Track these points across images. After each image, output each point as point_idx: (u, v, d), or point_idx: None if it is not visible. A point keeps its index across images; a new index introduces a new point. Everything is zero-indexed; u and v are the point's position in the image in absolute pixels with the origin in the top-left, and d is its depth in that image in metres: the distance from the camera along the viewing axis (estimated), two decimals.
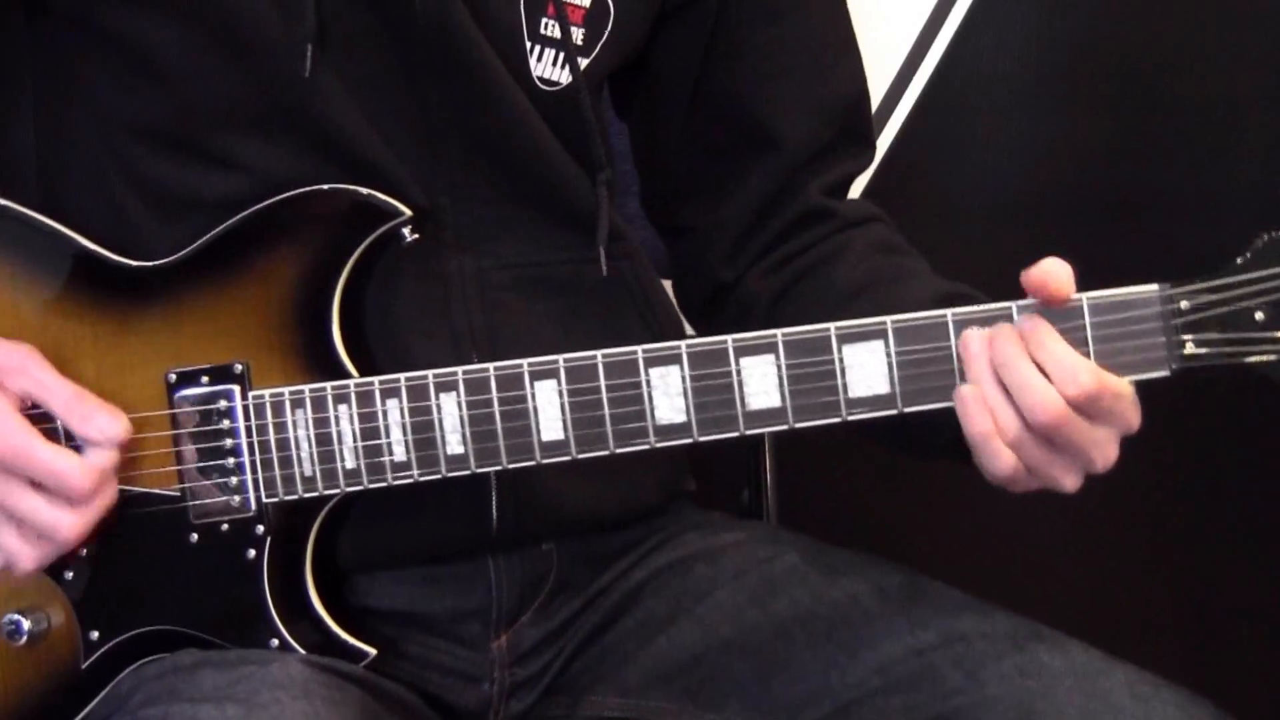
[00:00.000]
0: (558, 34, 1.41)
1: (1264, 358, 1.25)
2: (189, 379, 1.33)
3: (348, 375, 1.32)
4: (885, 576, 1.42)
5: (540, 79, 1.41)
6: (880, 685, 1.34)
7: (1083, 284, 1.26)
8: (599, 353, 1.29)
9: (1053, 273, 1.25)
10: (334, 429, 1.31)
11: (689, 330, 1.60)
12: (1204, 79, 2.17)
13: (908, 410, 1.27)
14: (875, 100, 2.07)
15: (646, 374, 1.29)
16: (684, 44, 1.51)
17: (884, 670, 1.34)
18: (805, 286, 1.49)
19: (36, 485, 1.27)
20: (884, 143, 2.14)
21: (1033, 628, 1.34)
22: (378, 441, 1.31)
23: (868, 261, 1.48)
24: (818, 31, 1.53)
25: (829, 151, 1.52)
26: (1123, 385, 1.25)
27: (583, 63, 1.43)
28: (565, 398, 1.29)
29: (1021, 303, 1.27)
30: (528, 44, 1.40)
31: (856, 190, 1.58)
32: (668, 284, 1.59)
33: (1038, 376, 1.24)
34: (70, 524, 1.27)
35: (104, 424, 1.29)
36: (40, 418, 1.29)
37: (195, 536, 1.33)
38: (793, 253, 1.51)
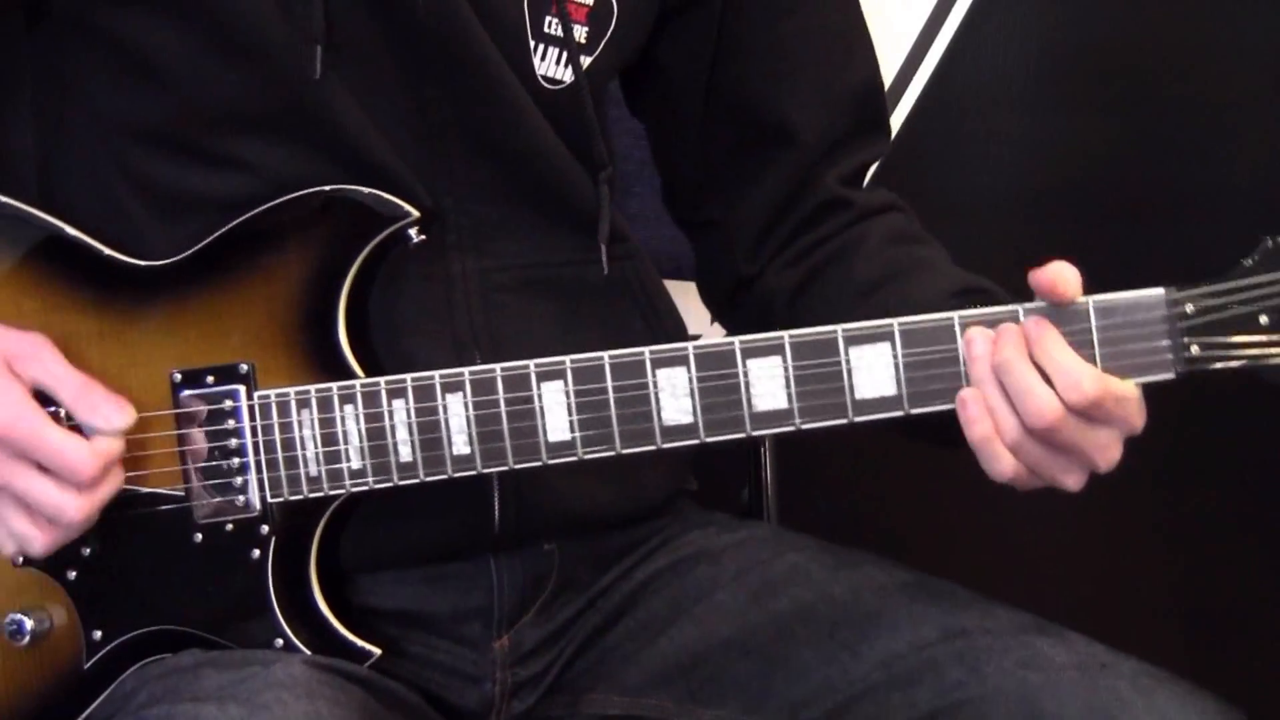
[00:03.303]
0: (561, 32, 1.41)
1: (1268, 361, 1.25)
2: (194, 378, 1.33)
3: (353, 376, 1.32)
4: (886, 573, 1.43)
5: (544, 77, 1.41)
6: (882, 680, 1.34)
7: (1084, 283, 1.26)
8: (606, 354, 1.29)
9: (1061, 275, 1.25)
10: (339, 429, 1.31)
11: (690, 331, 1.59)
12: (1204, 79, 2.17)
13: (914, 412, 1.27)
14: None
15: (653, 375, 1.29)
16: (690, 44, 1.51)
17: (886, 665, 1.35)
18: (823, 283, 1.49)
19: (44, 470, 1.28)
20: None
21: (1035, 621, 1.35)
22: (383, 442, 1.31)
23: (883, 255, 1.47)
24: (830, 24, 1.52)
25: (845, 141, 1.52)
26: (1127, 389, 1.25)
27: (586, 60, 1.43)
28: (572, 399, 1.29)
29: (1028, 305, 1.27)
30: (531, 42, 1.40)
31: None
32: (669, 285, 1.58)
33: (1038, 381, 1.23)
34: (77, 506, 1.27)
35: (110, 413, 1.29)
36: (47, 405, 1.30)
37: (200, 536, 1.33)
38: (811, 245, 1.51)
